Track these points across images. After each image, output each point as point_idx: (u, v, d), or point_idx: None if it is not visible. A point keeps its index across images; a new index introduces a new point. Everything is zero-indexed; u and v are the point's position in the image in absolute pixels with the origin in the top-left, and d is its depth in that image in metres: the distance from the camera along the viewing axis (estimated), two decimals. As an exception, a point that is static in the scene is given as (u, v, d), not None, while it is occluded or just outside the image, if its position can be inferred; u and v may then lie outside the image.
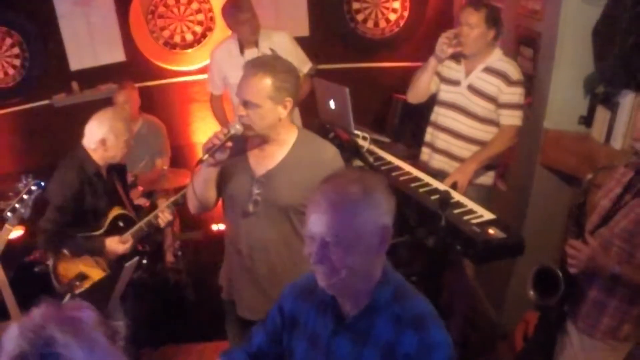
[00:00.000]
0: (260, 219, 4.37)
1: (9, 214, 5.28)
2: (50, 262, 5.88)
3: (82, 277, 5.54)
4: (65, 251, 5.48)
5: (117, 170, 5.94)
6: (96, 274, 5.65)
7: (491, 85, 5.90)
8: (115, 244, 5.61)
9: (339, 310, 2.84)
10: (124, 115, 5.80)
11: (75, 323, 2.00)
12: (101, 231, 5.66)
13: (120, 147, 5.60)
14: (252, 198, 4.35)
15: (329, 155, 4.49)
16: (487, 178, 6.27)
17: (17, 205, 5.29)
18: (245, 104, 4.11)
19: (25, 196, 5.27)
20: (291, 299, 3.10)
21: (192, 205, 4.57)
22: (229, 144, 4.12)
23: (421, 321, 2.71)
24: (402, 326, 2.70)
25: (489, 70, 5.92)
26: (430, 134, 6.48)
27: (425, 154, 6.49)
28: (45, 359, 1.86)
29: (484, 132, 6.11)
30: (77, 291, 5.40)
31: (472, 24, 5.81)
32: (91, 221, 5.67)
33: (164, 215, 5.82)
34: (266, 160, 4.40)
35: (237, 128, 4.09)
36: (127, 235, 5.67)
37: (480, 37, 5.85)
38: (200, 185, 4.34)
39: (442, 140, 6.33)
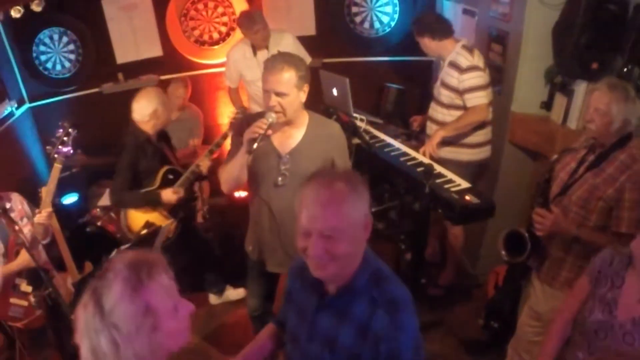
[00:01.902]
0: (287, 189, 4.41)
1: (56, 155, 5.34)
2: (102, 222, 5.95)
3: (149, 225, 5.80)
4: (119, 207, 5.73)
5: (163, 136, 6.05)
6: (159, 220, 5.89)
7: (451, 77, 6.01)
8: (169, 195, 5.84)
9: (322, 290, 2.83)
10: (157, 88, 5.97)
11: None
12: (155, 187, 5.86)
13: (166, 114, 5.86)
14: (280, 173, 4.41)
15: (336, 130, 4.69)
16: (466, 155, 6.26)
17: (60, 147, 5.35)
18: (278, 94, 4.18)
19: (65, 138, 5.34)
20: (290, 276, 3.14)
21: (228, 187, 4.62)
22: (270, 131, 4.19)
23: (394, 305, 2.69)
24: (376, 308, 2.67)
25: (450, 64, 6.04)
26: (427, 124, 6.58)
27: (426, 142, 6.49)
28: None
29: (448, 116, 6.22)
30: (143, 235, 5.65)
31: (425, 44, 6.16)
32: (146, 180, 5.86)
33: (204, 163, 6.16)
34: (289, 140, 4.48)
35: (273, 117, 4.17)
36: (177, 187, 5.91)
37: (435, 48, 6.13)
38: (237, 169, 4.38)
39: (428, 127, 6.48)
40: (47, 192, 5.33)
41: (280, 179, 4.43)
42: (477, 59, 5.96)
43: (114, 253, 5.52)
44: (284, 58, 4.35)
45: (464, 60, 5.91)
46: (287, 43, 7.24)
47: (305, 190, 2.67)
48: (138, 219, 5.85)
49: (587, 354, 3.42)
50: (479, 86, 5.91)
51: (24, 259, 4.93)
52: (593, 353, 3.36)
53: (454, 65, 5.98)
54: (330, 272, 2.67)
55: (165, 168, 5.87)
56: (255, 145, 4.12)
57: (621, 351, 3.18)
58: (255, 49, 7.21)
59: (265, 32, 7.07)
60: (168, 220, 5.88)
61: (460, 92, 5.98)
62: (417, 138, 6.75)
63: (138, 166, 5.72)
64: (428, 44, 6.09)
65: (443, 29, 6.06)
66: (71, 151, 5.52)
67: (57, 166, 5.39)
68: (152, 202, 5.81)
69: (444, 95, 6.14)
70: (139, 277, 2.22)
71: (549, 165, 4.66)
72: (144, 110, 5.66)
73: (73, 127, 5.49)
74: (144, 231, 5.77)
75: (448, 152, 6.17)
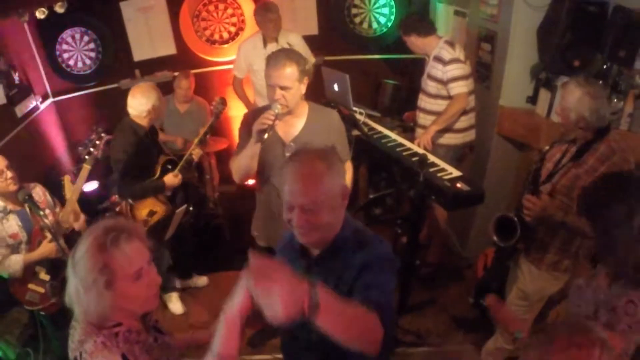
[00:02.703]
0: None
1: (86, 156, 5.34)
2: (119, 208, 5.97)
3: (152, 213, 5.85)
4: (131, 199, 5.65)
5: (151, 128, 5.98)
6: (160, 208, 5.91)
7: (436, 70, 6.10)
8: (172, 179, 5.88)
9: (309, 254, 2.94)
10: (150, 84, 5.91)
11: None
12: (156, 176, 5.86)
13: (162, 108, 5.90)
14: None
15: (335, 117, 4.82)
16: (452, 139, 6.32)
17: (91, 149, 5.35)
18: (282, 88, 4.25)
19: (97, 142, 5.33)
20: (279, 253, 3.23)
21: (240, 177, 4.67)
22: (277, 122, 4.26)
23: (369, 245, 2.82)
24: (356, 254, 2.78)
25: (434, 58, 6.14)
26: (417, 114, 6.62)
27: (417, 131, 6.58)
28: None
29: (435, 105, 6.29)
30: (149, 225, 5.74)
31: (411, 42, 6.25)
32: (147, 171, 5.83)
33: (196, 152, 6.26)
34: (291, 129, 4.55)
35: (278, 108, 4.23)
36: (177, 172, 5.92)
37: (421, 45, 6.21)
38: (248, 160, 4.44)
39: (419, 117, 6.52)
40: (74, 191, 5.35)
41: None
42: (459, 52, 6.07)
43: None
44: (286, 54, 4.41)
45: (447, 53, 6.01)
46: (295, 41, 7.25)
47: (287, 167, 2.76)
48: (141, 208, 5.86)
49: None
50: (460, 76, 6.01)
51: (45, 249, 4.97)
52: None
53: (438, 59, 6.08)
54: (314, 238, 2.81)
55: (164, 159, 5.90)
56: (266, 136, 4.19)
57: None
58: (265, 42, 7.20)
59: (277, 24, 7.08)
60: (167, 207, 5.92)
61: (444, 83, 6.07)
62: (412, 130, 6.76)
63: (141, 159, 5.68)
64: (415, 41, 6.18)
65: (426, 27, 6.19)
66: (100, 155, 5.54)
67: (87, 167, 5.40)
68: (159, 190, 5.84)
69: (431, 86, 6.22)
70: (105, 240, 2.47)
71: (540, 155, 4.70)
72: (142, 106, 5.62)
73: (105, 132, 5.49)
74: (148, 220, 5.85)
75: (438, 137, 6.22)
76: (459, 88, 6.02)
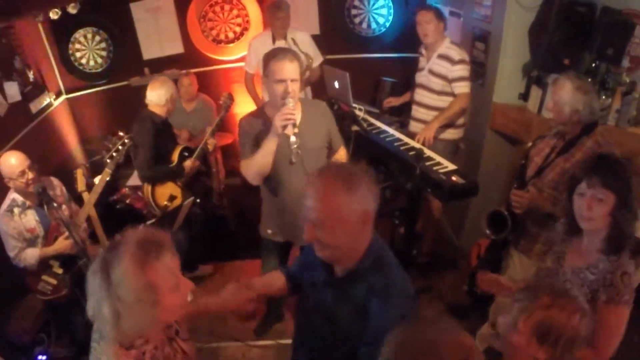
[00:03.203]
0: (300, 165, 4.42)
1: (108, 160, 5.36)
2: (129, 201, 6.02)
3: (172, 197, 6.00)
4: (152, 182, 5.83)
5: (165, 120, 6.06)
6: (179, 194, 6.06)
7: (442, 67, 6.05)
8: (191, 164, 6.05)
9: (330, 269, 2.81)
10: (166, 78, 6.06)
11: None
12: (174, 163, 5.98)
13: (175, 100, 5.96)
14: (292, 152, 4.35)
15: (323, 105, 4.89)
16: (451, 134, 6.32)
17: (114, 154, 5.36)
18: (293, 81, 4.26)
19: (120, 147, 5.33)
20: (308, 250, 3.04)
21: (258, 177, 4.62)
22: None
23: (387, 290, 2.63)
24: (372, 292, 2.63)
25: (440, 56, 6.07)
26: (413, 109, 6.59)
27: (411, 124, 6.58)
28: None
29: (440, 101, 6.25)
30: (169, 209, 5.89)
31: (427, 20, 6.01)
32: (163, 158, 5.94)
33: (210, 141, 6.39)
34: None
35: (292, 102, 4.22)
36: (194, 158, 6.09)
37: (435, 28, 6.03)
38: (267, 156, 4.39)
39: (417, 111, 6.47)
40: (93, 193, 5.39)
41: (293, 157, 4.38)
42: (465, 54, 6.05)
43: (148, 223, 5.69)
44: (289, 51, 4.49)
45: (456, 54, 5.98)
46: (303, 39, 7.25)
47: (310, 180, 2.64)
48: (163, 193, 5.98)
49: None
50: (465, 77, 6.01)
51: (61, 245, 5.04)
52: None
53: (445, 57, 6.04)
54: (325, 255, 2.67)
55: (181, 146, 6.00)
56: (296, 130, 4.24)
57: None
58: (274, 39, 7.20)
59: (285, 22, 7.08)
60: (185, 193, 6.00)
61: (449, 80, 6.04)
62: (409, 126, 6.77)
63: (158, 145, 5.78)
64: (433, 26, 6.04)
65: (444, 19, 6.14)
66: (121, 160, 5.55)
67: (107, 171, 5.44)
68: (179, 174, 5.93)
69: (435, 83, 6.17)
70: (146, 255, 2.26)
71: (524, 151, 4.77)
72: (162, 96, 5.78)
73: (129, 138, 5.49)
74: (169, 205, 5.96)
75: (438, 133, 6.20)
76: (464, 88, 6.03)
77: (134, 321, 2.29)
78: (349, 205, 2.51)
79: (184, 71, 7.80)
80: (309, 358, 2.98)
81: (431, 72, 6.19)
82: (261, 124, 4.51)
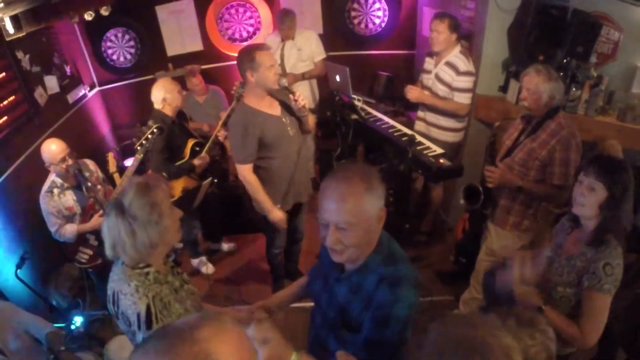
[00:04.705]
0: (296, 135, 4.71)
1: (138, 147, 5.35)
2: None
3: (185, 190, 5.77)
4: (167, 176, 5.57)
5: (180, 115, 5.95)
6: (192, 184, 5.85)
7: (447, 75, 5.88)
8: (200, 160, 5.80)
9: (342, 266, 2.66)
10: (168, 79, 5.85)
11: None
12: (186, 158, 5.79)
13: (177, 97, 5.67)
14: (288, 125, 4.61)
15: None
16: (453, 137, 6.28)
17: (144, 142, 5.35)
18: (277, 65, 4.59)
19: (150, 136, 5.33)
20: (323, 250, 2.82)
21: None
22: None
23: (397, 281, 2.46)
24: (382, 283, 2.47)
25: (447, 64, 5.89)
26: (419, 109, 6.45)
27: (417, 124, 6.47)
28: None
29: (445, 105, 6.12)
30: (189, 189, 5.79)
31: (439, 30, 5.77)
32: (177, 154, 5.77)
33: (221, 133, 6.19)
34: (274, 104, 4.70)
35: (285, 80, 4.49)
36: (204, 153, 5.87)
37: (445, 39, 5.79)
38: (259, 197, 4.82)
39: (424, 113, 6.36)
40: (124, 177, 5.37)
41: (289, 129, 4.62)
42: (471, 66, 5.86)
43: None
44: (264, 43, 4.74)
45: (463, 65, 5.79)
46: (310, 37, 7.33)
47: (325, 183, 2.46)
48: (176, 187, 5.81)
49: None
50: (468, 89, 5.88)
51: (96, 222, 5.12)
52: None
53: (451, 65, 5.85)
54: (344, 258, 2.52)
55: (192, 142, 5.82)
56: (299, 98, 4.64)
57: (548, 278, 3.35)
58: (283, 39, 7.25)
59: (291, 29, 7.14)
60: (198, 183, 5.84)
61: (451, 89, 5.90)
62: (402, 114, 6.76)
63: (171, 144, 5.63)
64: (445, 36, 5.77)
65: (459, 30, 5.86)
66: (150, 148, 5.53)
67: (138, 157, 5.41)
68: (189, 171, 5.78)
69: (441, 89, 5.99)
70: (147, 183, 2.63)
71: (492, 131, 4.94)
72: (158, 97, 5.61)
73: (158, 128, 5.50)
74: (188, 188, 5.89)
75: (438, 134, 6.20)
76: (465, 99, 5.90)
77: (146, 236, 2.58)
78: (370, 204, 2.39)
79: (188, 67, 7.75)
80: (321, 350, 2.82)
81: (437, 77, 6.01)
82: (247, 117, 4.58)
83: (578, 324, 3.10)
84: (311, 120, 4.82)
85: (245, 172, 4.68)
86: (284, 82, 4.44)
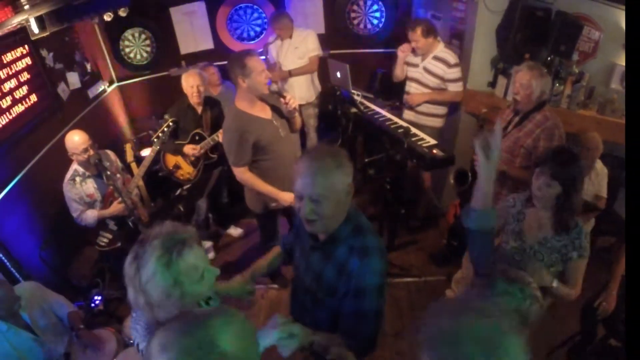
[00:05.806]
0: (287, 135, 4.62)
1: (155, 139, 5.38)
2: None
3: (177, 166, 5.91)
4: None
5: (211, 104, 6.00)
6: (185, 166, 5.96)
7: (438, 68, 5.94)
8: (190, 149, 5.82)
9: (315, 236, 2.76)
10: (193, 73, 5.90)
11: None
12: (186, 142, 5.86)
13: (199, 87, 5.79)
14: (279, 127, 4.53)
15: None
16: (437, 122, 6.29)
17: (160, 134, 5.36)
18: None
19: (165, 128, 5.34)
20: (297, 219, 2.89)
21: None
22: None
23: (365, 251, 2.57)
24: (352, 253, 2.58)
25: (436, 58, 5.95)
26: (404, 98, 6.46)
27: (405, 112, 6.46)
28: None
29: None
30: (173, 175, 5.92)
31: (415, 39, 5.93)
32: (182, 135, 5.89)
33: (220, 135, 5.91)
34: (266, 108, 4.56)
35: (276, 85, 4.33)
36: (198, 146, 5.85)
37: (423, 44, 5.92)
38: (261, 189, 4.67)
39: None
40: (142, 167, 5.43)
41: (281, 131, 4.55)
42: (457, 58, 5.94)
43: (177, 191, 5.71)
44: (251, 50, 4.55)
45: (451, 58, 5.88)
46: (307, 35, 7.22)
47: (301, 161, 2.57)
48: (170, 161, 5.97)
49: None
50: (460, 78, 5.95)
51: (115, 208, 5.14)
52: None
53: (441, 59, 5.92)
54: (317, 229, 2.63)
55: (196, 130, 5.86)
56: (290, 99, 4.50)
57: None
58: (281, 39, 7.19)
59: (282, 32, 7.07)
60: (191, 167, 5.96)
61: (444, 80, 5.96)
62: (398, 108, 6.76)
63: (178, 122, 5.77)
64: (422, 42, 5.89)
65: (433, 30, 5.93)
66: (166, 140, 5.56)
67: (155, 148, 5.46)
68: (178, 151, 5.84)
69: (431, 80, 6.04)
70: (170, 256, 2.12)
71: (480, 119, 5.14)
72: (188, 83, 5.75)
73: (174, 122, 5.47)
74: (174, 171, 5.97)
75: (427, 120, 6.23)
76: (459, 87, 5.98)
77: (165, 312, 2.15)
78: (339, 179, 2.50)
79: (204, 62, 7.72)
80: (301, 311, 2.99)
81: (427, 70, 6.04)
82: (243, 123, 4.44)
83: (567, 284, 3.34)
84: (298, 120, 4.74)
85: (241, 173, 4.57)
86: (274, 87, 4.41)
